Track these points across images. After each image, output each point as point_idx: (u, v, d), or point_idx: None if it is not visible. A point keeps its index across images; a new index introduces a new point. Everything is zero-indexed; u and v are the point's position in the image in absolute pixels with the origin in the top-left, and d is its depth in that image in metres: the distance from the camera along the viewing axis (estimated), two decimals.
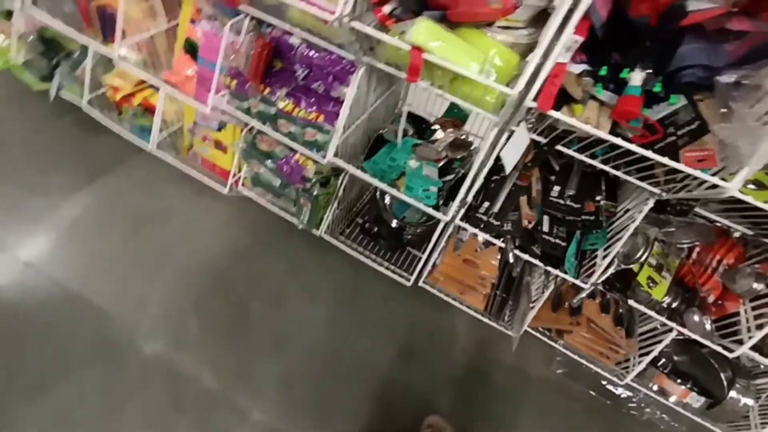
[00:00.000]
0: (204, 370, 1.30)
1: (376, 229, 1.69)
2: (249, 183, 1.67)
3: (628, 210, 1.16)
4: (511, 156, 0.98)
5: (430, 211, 1.26)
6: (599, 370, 1.49)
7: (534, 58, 0.83)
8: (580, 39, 0.84)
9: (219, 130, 1.65)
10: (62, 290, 1.40)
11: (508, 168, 1.01)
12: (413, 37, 0.86)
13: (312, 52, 1.21)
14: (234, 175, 1.69)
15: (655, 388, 1.45)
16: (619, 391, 1.51)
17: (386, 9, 0.93)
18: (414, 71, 0.89)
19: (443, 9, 0.89)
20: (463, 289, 1.53)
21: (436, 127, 1.54)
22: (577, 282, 1.18)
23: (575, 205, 1.17)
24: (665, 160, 0.85)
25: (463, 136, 1.49)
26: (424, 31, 0.86)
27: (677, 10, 0.76)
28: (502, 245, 1.22)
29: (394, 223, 1.65)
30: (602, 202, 1.19)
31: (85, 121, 1.81)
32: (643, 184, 1.00)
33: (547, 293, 1.36)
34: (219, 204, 1.74)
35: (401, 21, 0.94)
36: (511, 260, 1.23)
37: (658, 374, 1.44)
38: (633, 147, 0.88)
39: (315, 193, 1.45)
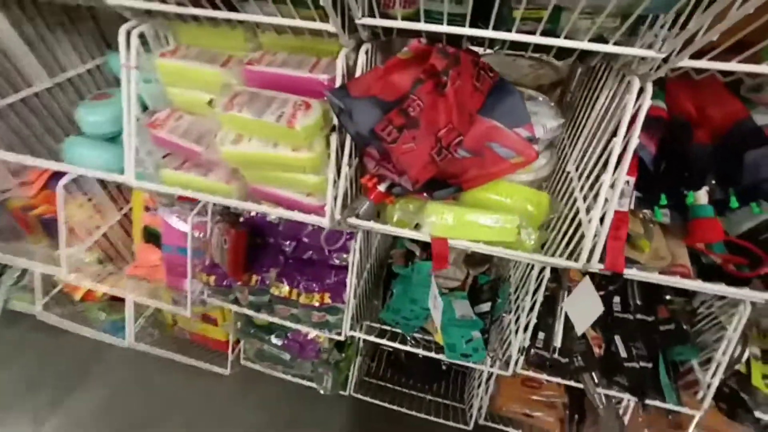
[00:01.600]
0: None
1: (406, 361, 1.47)
2: (252, 356, 1.42)
3: (706, 303, 0.98)
4: (581, 318, 0.79)
5: (482, 367, 1.04)
6: None
7: (592, 224, 0.66)
8: (632, 179, 0.69)
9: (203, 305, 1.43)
10: None
11: (580, 331, 0.83)
12: (432, 230, 0.69)
13: (296, 226, 1.02)
14: (233, 349, 1.45)
15: None
16: None
17: (381, 188, 0.76)
18: (440, 260, 0.71)
19: (450, 178, 0.72)
20: (531, 417, 1.29)
21: None
22: (685, 410, 0.96)
23: (648, 318, 0.98)
24: None
25: None
26: (440, 221, 0.69)
27: (750, 131, 0.62)
28: (581, 386, 1.00)
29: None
30: (675, 302, 1.01)
31: (43, 327, 1.55)
32: (734, 291, 0.80)
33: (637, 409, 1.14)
34: (222, 384, 1.47)
35: (402, 196, 0.77)
36: (599, 404, 1.01)
37: None
38: (737, 292, 0.70)
39: (334, 361, 1.22)
